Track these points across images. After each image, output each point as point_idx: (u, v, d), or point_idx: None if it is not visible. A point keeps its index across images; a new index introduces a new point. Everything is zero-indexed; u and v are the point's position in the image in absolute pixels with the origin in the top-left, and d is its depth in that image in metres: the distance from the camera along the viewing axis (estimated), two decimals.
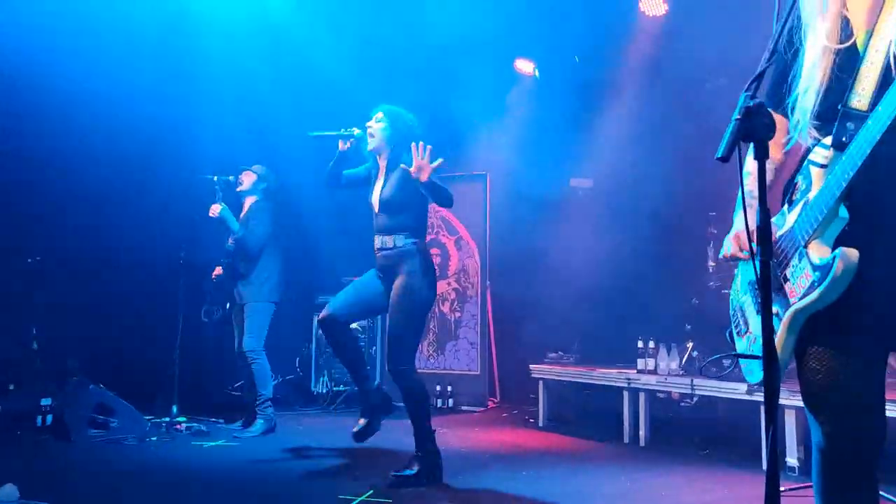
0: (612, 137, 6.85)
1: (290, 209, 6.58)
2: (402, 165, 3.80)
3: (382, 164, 4.02)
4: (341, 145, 4.03)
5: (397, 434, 4.44)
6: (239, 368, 5.73)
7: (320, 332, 7.05)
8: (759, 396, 4.01)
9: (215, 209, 5.40)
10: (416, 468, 3.71)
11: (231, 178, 5.62)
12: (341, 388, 7.00)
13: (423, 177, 3.62)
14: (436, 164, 3.64)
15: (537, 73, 7.37)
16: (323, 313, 3.86)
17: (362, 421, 3.94)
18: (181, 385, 5.50)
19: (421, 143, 3.63)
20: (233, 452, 4.70)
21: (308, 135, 4.10)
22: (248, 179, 5.63)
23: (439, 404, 6.82)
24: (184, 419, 5.40)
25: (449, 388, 6.97)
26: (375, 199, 3.98)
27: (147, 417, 5.24)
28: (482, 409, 6.81)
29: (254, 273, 5.45)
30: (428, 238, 4.67)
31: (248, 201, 5.65)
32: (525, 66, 7.39)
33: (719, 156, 1.49)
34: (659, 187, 6.51)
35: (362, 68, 6.42)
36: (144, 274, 6.43)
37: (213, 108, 6.55)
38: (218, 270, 5.67)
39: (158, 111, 6.35)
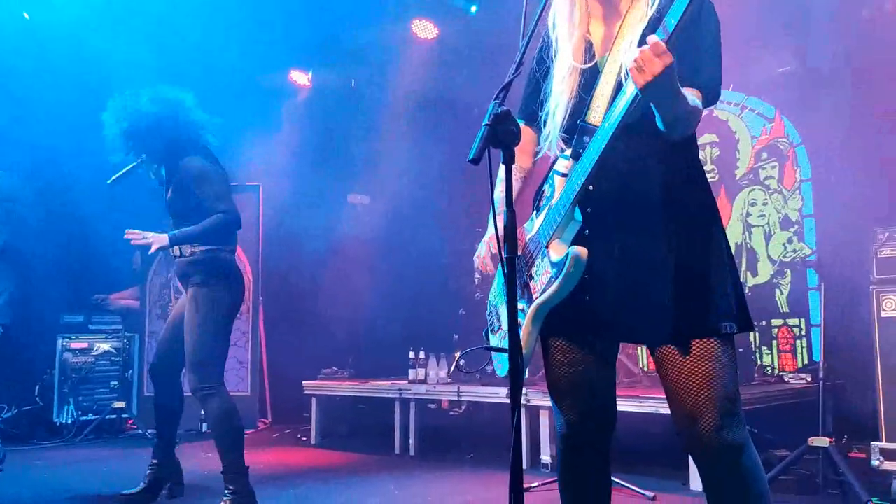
0: (388, 155, 6.99)
1: (34, 219, 5.86)
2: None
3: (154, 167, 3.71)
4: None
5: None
6: None
7: (65, 355, 6.42)
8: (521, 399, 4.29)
9: None
10: None
11: None
12: (90, 416, 6.32)
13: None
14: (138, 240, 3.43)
15: (311, 84, 7.32)
16: (151, 362, 3.57)
17: (140, 486, 3.53)
18: None
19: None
20: None
21: (107, 183, 3.69)
22: None
23: (203, 428, 6.42)
24: None
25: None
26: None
27: None
28: (252, 430, 6.53)
29: None
30: None
31: None
32: (300, 78, 7.30)
33: (470, 158, 1.57)
34: (429, 204, 6.77)
35: (130, 70, 5.90)
36: None
37: None
38: None
39: None
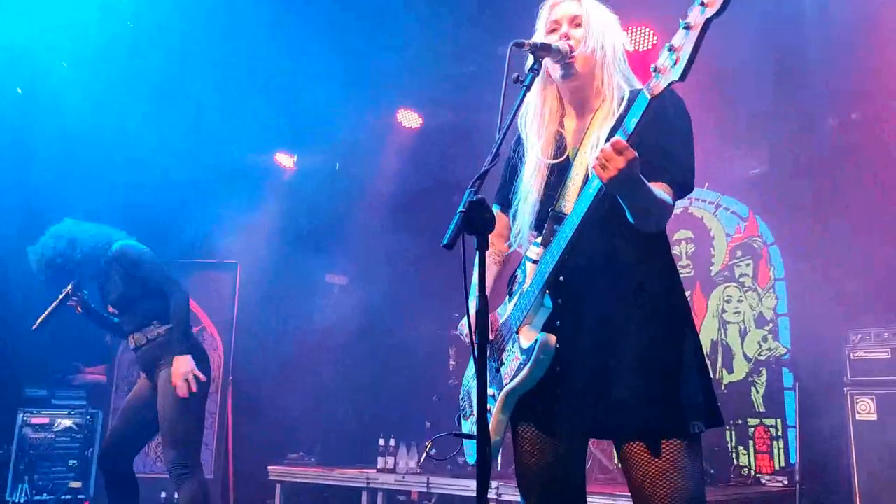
0: (366, 237, 7.04)
1: None
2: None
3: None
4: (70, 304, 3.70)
5: None
6: None
7: (24, 430, 6.19)
8: (492, 494, 4.16)
9: None
10: None
11: None
12: (44, 496, 6.03)
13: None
14: None
15: (295, 167, 7.43)
16: (102, 446, 3.49)
17: None
18: None
19: None
20: None
21: (34, 329, 3.70)
22: None
23: None
24: None
25: (176, 496, 6.32)
26: (109, 307, 3.67)
27: None
28: None
29: None
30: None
31: None
32: (285, 160, 7.41)
33: (444, 243, 1.58)
34: (405, 288, 6.76)
35: (110, 141, 5.97)
36: None
37: None
38: None
39: None
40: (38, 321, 3.58)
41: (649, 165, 1.65)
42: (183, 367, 3.32)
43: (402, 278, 6.95)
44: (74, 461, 6.25)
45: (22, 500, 5.98)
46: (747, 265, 5.83)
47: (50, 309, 3.57)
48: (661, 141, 1.76)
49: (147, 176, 6.01)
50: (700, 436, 1.74)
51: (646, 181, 1.64)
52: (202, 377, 3.45)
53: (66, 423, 6.35)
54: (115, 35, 5.22)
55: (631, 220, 1.69)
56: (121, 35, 5.26)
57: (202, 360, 3.51)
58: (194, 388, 3.31)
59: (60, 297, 3.59)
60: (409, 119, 6.67)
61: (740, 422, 5.35)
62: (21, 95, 5.67)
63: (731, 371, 5.79)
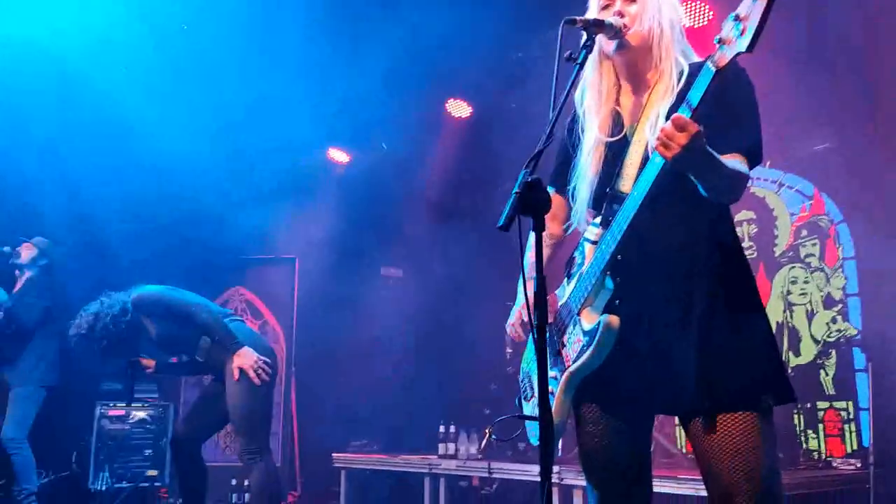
0: (421, 229, 7.09)
1: (74, 288, 6.01)
2: None
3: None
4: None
5: None
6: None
7: (103, 422, 6.47)
8: (555, 478, 4.16)
9: None
10: None
11: (6, 248, 5.09)
12: (124, 484, 6.31)
13: None
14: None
15: (349, 161, 7.52)
16: (173, 434, 3.56)
17: None
18: None
19: None
20: None
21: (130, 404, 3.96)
22: (27, 253, 5.13)
23: (234, 499, 6.36)
24: None
25: (246, 483, 6.52)
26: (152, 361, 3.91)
27: None
28: (282, 503, 6.43)
29: (23, 354, 4.90)
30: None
31: (25, 276, 5.12)
32: (338, 155, 7.52)
33: (500, 225, 1.58)
34: (461, 278, 6.79)
35: (166, 138, 6.14)
36: None
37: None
38: None
39: None
40: (130, 400, 3.85)
41: (719, 137, 1.62)
42: (247, 358, 3.42)
43: (457, 269, 6.98)
44: (150, 451, 6.51)
45: (103, 488, 6.27)
46: (813, 245, 5.65)
47: (131, 386, 3.82)
48: (729, 112, 1.72)
49: (203, 175, 6.18)
50: (771, 411, 1.70)
51: (716, 154, 1.60)
52: (268, 365, 3.56)
53: (141, 414, 6.61)
54: (167, 32, 5.33)
55: (704, 194, 1.67)
56: (173, 32, 5.38)
57: (266, 353, 3.61)
58: (264, 376, 3.42)
59: (129, 373, 3.80)
60: (459, 109, 6.68)
61: (808, 405, 5.19)
62: (62, 87, 5.77)
63: (797, 354, 5.63)
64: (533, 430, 1.99)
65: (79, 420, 6.49)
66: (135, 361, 3.82)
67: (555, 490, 4.24)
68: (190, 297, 3.68)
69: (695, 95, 1.55)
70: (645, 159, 1.76)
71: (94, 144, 6.05)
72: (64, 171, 6.09)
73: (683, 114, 1.53)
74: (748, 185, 1.79)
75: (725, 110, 1.70)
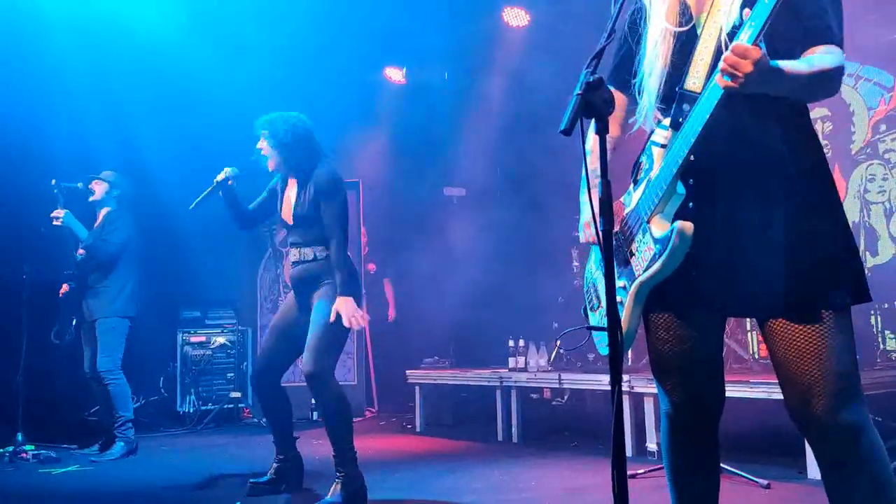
0: (482, 146, 7.01)
1: (152, 216, 6.23)
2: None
3: (289, 175, 3.77)
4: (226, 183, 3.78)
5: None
6: (93, 391, 5.31)
7: (185, 349, 6.82)
8: (625, 387, 4.20)
9: (58, 215, 5.06)
10: (339, 496, 3.33)
11: (79, 185, 5.26)
12: (209, 406, 6.69)
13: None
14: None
15: (406, 80, 7.42)
16: (254, 370, 3.64)
17: (270, 473, 3.69)
18: (29, 411, 5.07)
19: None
20: (87, 477, 4.36)
21: (189, 209, 3.84)
22: (99, 188, 5.28)
23: (314, 416, 6.66)
24: (31, 447, 4.96)
25: None
26: (287, 212, 3.71)
27: None
28: (360, 418, 6.71)
29: (105, 285, 5.10)
30: None
31: (103, 212, 5.31)
32: (395, 74, 7.43)
33: (562, 128, 1.53)
34: (526, 195, 6.73)
35: (228, 73, 6.20)
36: None
37: (68, 110, 6.12)
38: (65, 288, 5.27)
39: (3, 112, 5.87)
40: (194, 203, 3.81)
41: (806, 30, 1.52)
42: (350, 308, 3.40)
43: (518, 183, 6.93)
44: (231, 374, 6.86)
45: (191, 410, 6.67)
46: (893, 140, 5.37)
47: (205, 194, 3.78)
48: (812, 1, 1.62)
49: (260, 97, 6.22)
50: (849, 310, 1.65)
51: (788, 66, 1.52)
52: (366, 317, 3.54)
53: (220, 340, 6.93)
54: None
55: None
56: None
57: (358, 295, 3.58)
58: (357, 326, 3.43)
59: (219, 180, 3.77)
60: (516, 17, 6.47)
61: (886, 306, 5.04)
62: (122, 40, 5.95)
63: (875, 254, 5.44)
64: (602, 341, 1.98)
65: (163, 347, 6.86)
66: (227, 178, 3.74)
67: (626, 398, 4.28)
68: (344, 219, 3.60)
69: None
70: (717, 54, 1.67)
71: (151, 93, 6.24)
72: (123, 125, 6.30)
73: (738, 43, 1.45)
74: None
75: (812, 3, 1.60)
